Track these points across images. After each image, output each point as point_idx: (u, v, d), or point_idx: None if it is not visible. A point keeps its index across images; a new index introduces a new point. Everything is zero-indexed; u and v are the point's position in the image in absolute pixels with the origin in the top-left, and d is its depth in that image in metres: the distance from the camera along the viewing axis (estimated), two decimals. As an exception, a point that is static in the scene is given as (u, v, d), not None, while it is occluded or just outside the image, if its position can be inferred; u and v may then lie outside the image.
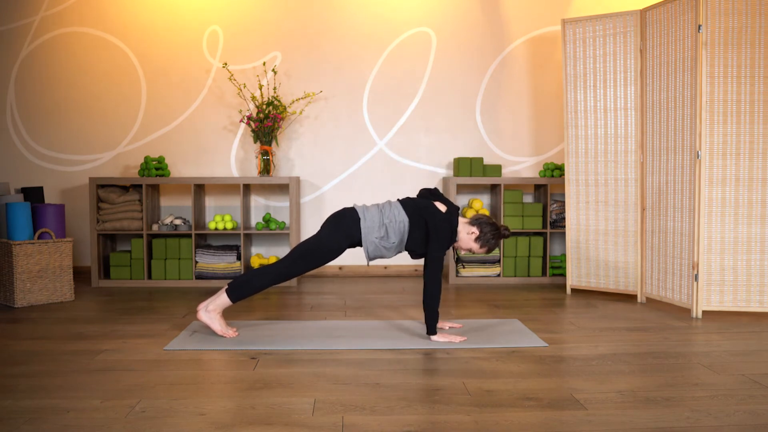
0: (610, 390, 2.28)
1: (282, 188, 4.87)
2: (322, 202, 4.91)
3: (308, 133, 4.87)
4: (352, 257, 4.83)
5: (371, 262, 4.46)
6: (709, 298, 3.49)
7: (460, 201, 4.91)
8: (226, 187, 4.85)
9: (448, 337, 2.92)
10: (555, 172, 4.63)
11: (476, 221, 3.00)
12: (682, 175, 3.57)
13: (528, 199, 4.93)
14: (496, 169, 4.64)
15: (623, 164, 3.95)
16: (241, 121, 4.60)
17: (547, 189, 4.60)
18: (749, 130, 3.41)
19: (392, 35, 4.86)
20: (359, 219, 2.95)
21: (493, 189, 4.83)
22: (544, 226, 4.63)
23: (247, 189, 4.75)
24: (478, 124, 4.91)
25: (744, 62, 3.40)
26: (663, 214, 3.73)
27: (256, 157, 4.68)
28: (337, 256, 2.98)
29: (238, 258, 4.49)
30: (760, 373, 2.48)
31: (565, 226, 4.51)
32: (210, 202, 4.85)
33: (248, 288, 2.94)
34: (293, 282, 4.48)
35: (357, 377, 2.42)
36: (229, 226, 4.51)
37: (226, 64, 4.72)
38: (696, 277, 3.48)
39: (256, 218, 4.89)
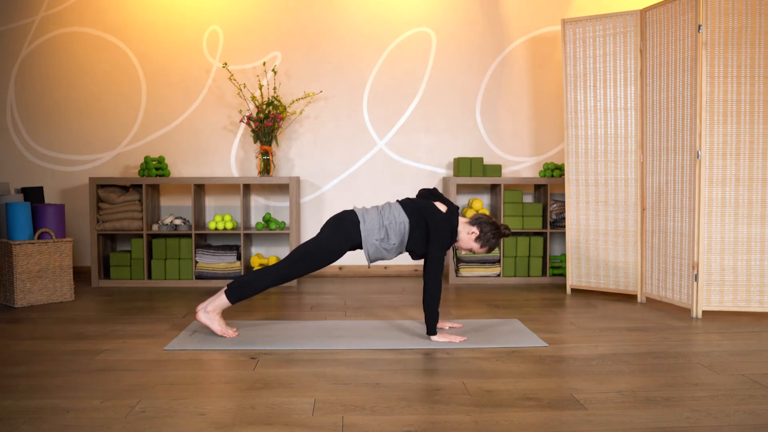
0: (610, 390, 2.28)
1: (282, 188, 4.87)
2: (322, 202, 4.90)
3: (308, 133, 4.87)
4: (352, 257, 4.83)
5: (372, 264, 4.46)
6: (709, 298, 3.49)
7: (460, 201, 4.91)
8: (226, 187, 4.85)
9: (448, 337, 2.92)
10: (555, 172, 4.63)
11: (476, 221, 3.00)
12: (682, 175, 3.57)
13: (528, 199, 4.93)
14: (496, 169, 4.64)
15: (623, 164, 3.95)
16: (241, 121, 4.60)
17: (547, 189, 4.60)
18: (749, 130, 3.41)
19: (392, 35, 4.86)
20: (359, 222, 2.95)
21: (493, 189, 4.83)
22: (544, 226, 4.63)
23: (247, 189, 4.75)
24: (478, 124, 4.91)
25: (744, 62, 3.40)
26: (663, 214, 3.73)
27: (256, 157, 4.68)
28: (337, 259, 2.98)
29: (238, 258, 4.49)
30: (760, 373, 2.48)
31: (565, 226, 4.51)
32: (210, 202, 4.85)
33: (248, 289, 2.94)
34: (293, 282, 4.48)
35: (357, 377, 2.42)
36: (229, 226, 4.51)
37: (226, 64, 4.72)
38: (696, 277, 3.48)
39: (256, 218, 4.89)
